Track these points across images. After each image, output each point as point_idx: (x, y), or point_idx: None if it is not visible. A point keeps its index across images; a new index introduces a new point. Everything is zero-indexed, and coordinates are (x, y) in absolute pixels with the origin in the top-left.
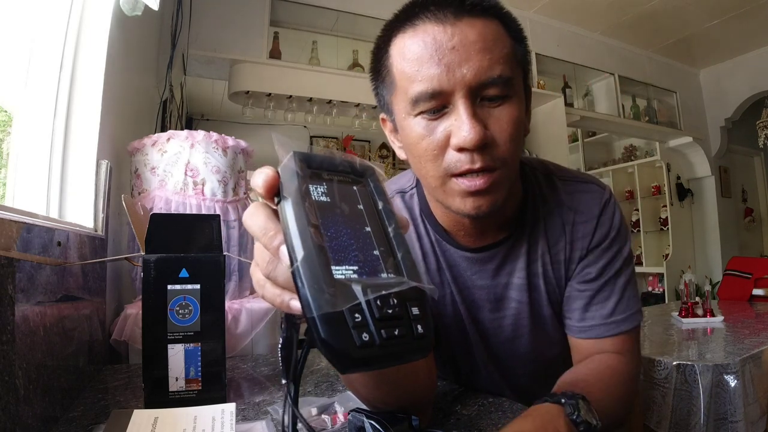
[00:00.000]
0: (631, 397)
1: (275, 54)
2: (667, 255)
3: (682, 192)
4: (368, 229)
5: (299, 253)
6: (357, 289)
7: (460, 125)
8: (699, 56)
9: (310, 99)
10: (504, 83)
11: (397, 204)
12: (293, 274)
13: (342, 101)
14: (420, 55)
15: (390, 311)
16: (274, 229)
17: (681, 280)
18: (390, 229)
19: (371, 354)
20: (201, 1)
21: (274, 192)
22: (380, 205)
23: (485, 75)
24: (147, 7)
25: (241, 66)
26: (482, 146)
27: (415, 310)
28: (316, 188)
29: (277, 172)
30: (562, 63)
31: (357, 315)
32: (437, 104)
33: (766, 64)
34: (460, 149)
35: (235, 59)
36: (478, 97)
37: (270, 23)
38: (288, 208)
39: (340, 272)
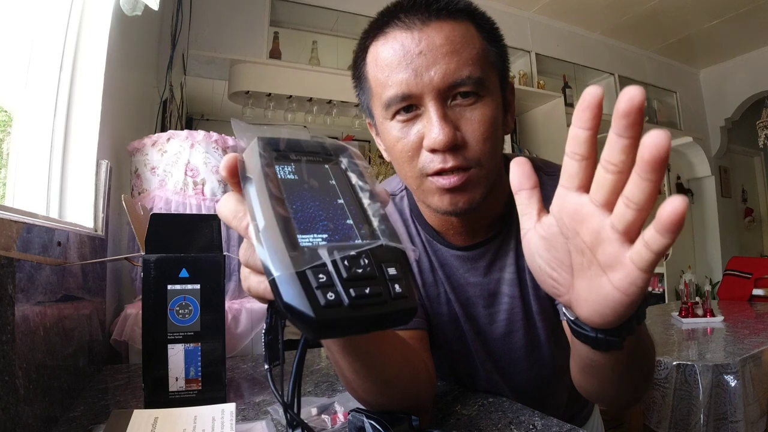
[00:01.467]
0: (653, 369)
1: (275, 54)
2: (667, 255)
3: (682, 192)
4: (340, 201)
5: (261, 223)
6: (323, 251)
7: (430, 127)
8: (699, 56)
9: (310, 99)
10: (474, 84)
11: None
12: (257, 246)
13: (342, 101)
14: (390, 61)
15: (360, 271)
16: (243, 211)
17: (681, 280)
18: (365, 201)
19: (340, 315)
20: (201, 1)
21: (235, 173)
22: (353, 179)
23: (453, 77)
24: (147, 7)
25: (241, 66)
26: (453, 147)
27: (392, 271)
28: (282, 168)
29: (242, 156)
30: (562, 63)
31: (321, 275)
32: (408, 108)
33: (766, 64)
34: (432, 150)
35: (235, 59)
36: (449, 98)
37: (270, 23)
38: (251, 188)
39: (307, 240)
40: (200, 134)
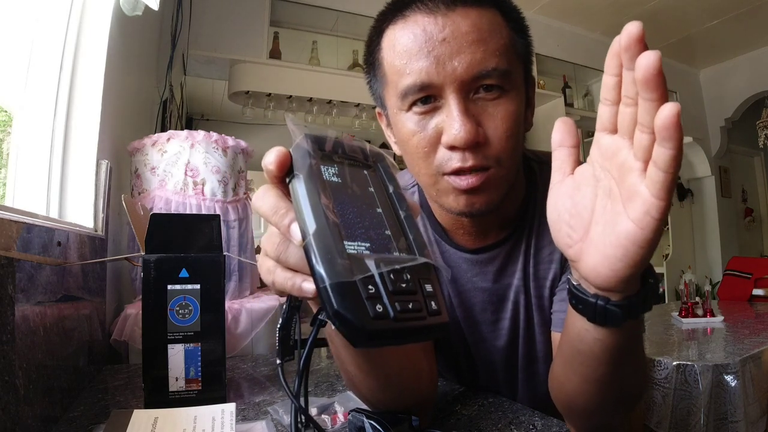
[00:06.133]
0: (647, 379)
1: (275, 54)
2: (667, 255)
3: (682, 192)
4: (379, 210)
5: (311, 227)
6: (370, 262)
7: (451, 122)
8: (699, 56)
9: (310, 99)
10: (500, 76)
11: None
12: (305, 248)
13: (342, 101)
14: (409, 47)
15: (404, 285)
16: (285, 208)
17: (681, 280)
18: (401, 212)
19: (386, 327)
20: (201, 1)
21: (286, 169)
22: (391, 189)
23: (478, 68)
24: (147, 7)
25: (241, 66)
26: (474, 144)
27: (429, 287)
28: (327, 169)
29: (289, 151)
30: (562, 63)
31: (370, 287)
32: (426, 99)
33: (766, 64)
34: (451, 147)
35: (235, 59)
36: (472, 91)
37: (270, 23)
38: (299, 185)
39: (353, 247)
40: (200, 134)
